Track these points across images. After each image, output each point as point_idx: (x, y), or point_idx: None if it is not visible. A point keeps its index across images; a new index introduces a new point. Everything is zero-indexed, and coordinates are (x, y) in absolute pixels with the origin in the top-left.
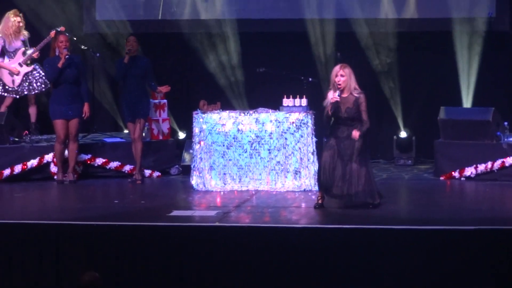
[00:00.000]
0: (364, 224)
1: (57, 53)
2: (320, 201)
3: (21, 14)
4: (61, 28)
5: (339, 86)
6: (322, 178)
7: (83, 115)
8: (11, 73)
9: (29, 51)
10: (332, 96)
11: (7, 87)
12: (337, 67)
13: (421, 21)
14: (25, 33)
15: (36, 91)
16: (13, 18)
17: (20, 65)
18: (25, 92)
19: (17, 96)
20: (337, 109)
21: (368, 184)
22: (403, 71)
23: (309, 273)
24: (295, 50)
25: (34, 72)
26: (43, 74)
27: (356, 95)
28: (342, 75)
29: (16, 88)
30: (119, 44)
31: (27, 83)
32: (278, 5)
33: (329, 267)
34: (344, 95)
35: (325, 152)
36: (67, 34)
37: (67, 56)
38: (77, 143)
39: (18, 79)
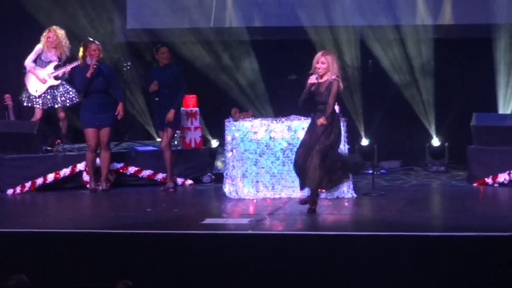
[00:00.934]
0: (397, 231)
1: (88, 62)
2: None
3: (57, 32)
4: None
5: (318, 72)
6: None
7: (117, 114)
8: (37, 81)
9: (61, 68)
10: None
11: (30, 95)
12: (319, 54)
13: (457, 27)
14: (65, 51)
15: (59, 105)
16: (45, 33)
17: (48, 76)
18: (49, 105)
19: (42, 108)
20: (314, 94)
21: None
22: (438, 77)
23: (344, 280)
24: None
25: (60, 87)
26: (70, 89)
27: (330, 80)
28: (323, 62)
29: (37, 98)
30: (150, 53)
31: (50, 96)
32: (309, 12)
33: (364, 274)
34: (322, 80)
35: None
36: (98, 43)
37: (95, 66)
38: (109, 151)
39: (41, 90)
